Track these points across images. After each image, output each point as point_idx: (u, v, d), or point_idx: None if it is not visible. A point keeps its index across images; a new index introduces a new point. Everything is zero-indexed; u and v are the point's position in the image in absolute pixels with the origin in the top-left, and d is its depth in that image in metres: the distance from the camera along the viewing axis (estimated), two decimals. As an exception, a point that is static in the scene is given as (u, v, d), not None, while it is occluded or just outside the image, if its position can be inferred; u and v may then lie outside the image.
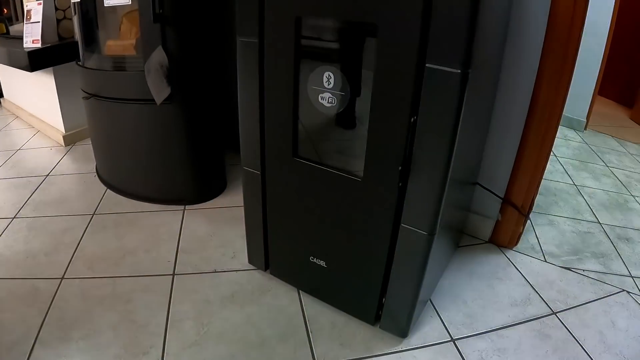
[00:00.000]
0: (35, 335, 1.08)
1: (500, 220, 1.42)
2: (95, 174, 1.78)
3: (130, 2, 1.30)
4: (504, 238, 1.45)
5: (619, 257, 1.51)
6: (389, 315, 1.05)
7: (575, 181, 2.01)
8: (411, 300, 1.00)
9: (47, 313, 1.14)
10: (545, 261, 1.43)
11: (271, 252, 1.22)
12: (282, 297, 1.21)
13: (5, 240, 1.43)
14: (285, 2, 0.85)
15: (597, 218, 1.73)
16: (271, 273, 1.27)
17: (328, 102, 0.89)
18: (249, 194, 1.14)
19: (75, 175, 1.79)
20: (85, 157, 1.91)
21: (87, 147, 1.94)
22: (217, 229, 1.48)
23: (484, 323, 1.16)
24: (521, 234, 1.45)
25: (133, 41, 1.42)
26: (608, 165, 2.24)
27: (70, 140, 2.05)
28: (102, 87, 1.48)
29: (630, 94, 3.14)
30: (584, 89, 2.49)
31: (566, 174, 2.07)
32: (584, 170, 2.15)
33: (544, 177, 1.85)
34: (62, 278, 1.28)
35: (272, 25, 0.88)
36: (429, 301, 1.21)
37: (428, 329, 1.12)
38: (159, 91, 1.34)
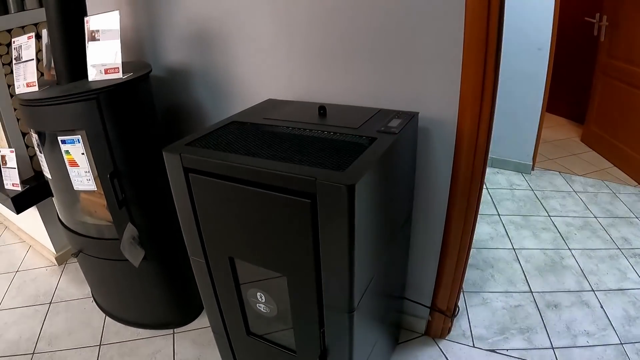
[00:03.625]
0: None
1: (430, 320, 1.88)
2: (93, 300, 2.24)
3: (96, 189, 1.72)
4: (436, 332, 1.89)
5: (544, 328, 1.92)
6: None
7: (514, 244, 2.44)
8: None
9: None
10: (474, 346, 1.85)
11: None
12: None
13: (31, 380, 1.91)
14: (220, 246, 1.27)
15: (529, 287, 2.15)
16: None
17: (264, 310, 1.33)
18: (223, 350, 1.59)
19: (75, 302, 2.23)
20: (79, 279, 2.35)
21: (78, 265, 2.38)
22: (203, 351, 1.91)
23: None
24: (450, 327, 1.91)
25: (104, 210, 1.79)
26: (550, 214, 2.67)
27: (62, 259, 2.49)
28: (85, 247, 1.89)
29: (579, 109, 3.50)
30: (527, 134, 2.92)
31: (506, 237, 2.49)
32: (525, 227, 2.57)
33: (484, 247, 2.33)
34: (85, 415, 1.77)
35: (213, 257, 1.31)
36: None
37: None
38: (135, 257, 1.78)
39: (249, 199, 1.09)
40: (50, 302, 2.25)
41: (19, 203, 2.15)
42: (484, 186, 2.99)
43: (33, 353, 2.00)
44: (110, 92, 1.54)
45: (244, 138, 1.26)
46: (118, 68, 1.60)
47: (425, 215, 1.67)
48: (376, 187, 1.10)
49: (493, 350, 1.85)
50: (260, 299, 1.31)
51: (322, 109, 1.40)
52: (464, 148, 1.48)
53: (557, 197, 2.86)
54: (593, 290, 2.13)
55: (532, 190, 2.94)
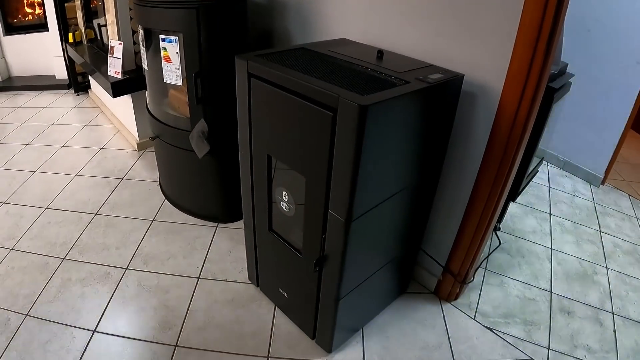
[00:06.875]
0: (104, 307, 2.05)
1: (441, 280, 2.16)
2: (159, 184, 2.76)
3: (181, 84, 2.18)
4: (444, 293, 2.13)
5: (548, 328, 2.04)
6: (320, 334, 1.82)
7: (554, 244, 2.55)
8: (330, 330, 1.77)
9: (114, 292, 2.08)
10: (473, 318, 2.07)
11: (260, 277, 2.08)
12: (263, 308, 2.03)
13: (89, 233, 2.41)
14: (262, 144, 1.63)
15: (551, 287, 2.28)
16: (261, 289, 2.13)
17: (286, 209, 1.69)
18: (248, 242, 1.99)
19: (143, 183, 2.76)
20: (152, 166, 2.87)
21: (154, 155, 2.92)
22: (236, 247, 2.33)
23: (394, 356, 1.87)
24: (459, 293, 2.15)
25: (186, 106, 2.25)
26: (602, 230, 2.73)
27: (142, 146, 3.04)
28: (163, 134, 2.37)
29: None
30: (605, 147, 2.98)
31: (549, 236, 2.61)
32: (571, 233, 2.66)
33: (522, 237, 2.53)
34: (126, 268, 2.23)
35: (256, 153, 1.68)
36: (361, 330, 1.97)
37: (350, 351, 1.87)
38: (201, 149, 2.22)
39: (289, 105, 1.42)
40: (122, 178, 2.80)
41: (117, 89, 2.68)
42: (548, 185, 3.12)
43: (95, 213, 2.55)
44: (208, 5, 1.94)
45: (304, 60, 1.57)
46: (220, -15, 2.01)
47: (457, 173, 1.89)
48: (394, 119, 1.37)
49: (490, 329, 2.04)
50: (284, 198, 1.68)
51: (380, 53, 1.69)
52: (503, 120, 1.69)
53: (616, 216, 2.89)
54: (613, 313, 2.19)
55: (594, 202, 2.99)
